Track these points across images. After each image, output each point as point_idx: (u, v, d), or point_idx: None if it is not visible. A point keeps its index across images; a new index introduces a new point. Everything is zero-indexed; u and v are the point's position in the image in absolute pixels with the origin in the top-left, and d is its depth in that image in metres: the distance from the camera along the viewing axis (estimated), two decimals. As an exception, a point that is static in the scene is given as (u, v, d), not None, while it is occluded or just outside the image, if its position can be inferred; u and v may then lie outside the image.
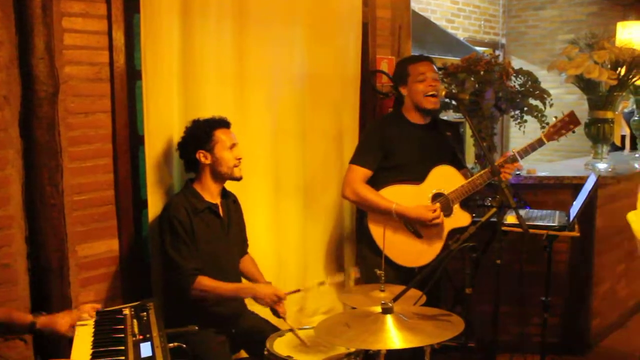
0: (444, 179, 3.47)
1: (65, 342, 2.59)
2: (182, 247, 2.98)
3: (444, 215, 3.42)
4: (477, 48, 7.62)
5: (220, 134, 3.09)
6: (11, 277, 2.82)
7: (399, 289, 2.65)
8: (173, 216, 2.99)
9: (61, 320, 2.25)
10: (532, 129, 4.29)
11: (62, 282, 2.93)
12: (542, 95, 4.34)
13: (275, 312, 3.08)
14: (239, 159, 3.13)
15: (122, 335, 2.26)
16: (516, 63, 5.20)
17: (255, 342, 2.98)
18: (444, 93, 3.52)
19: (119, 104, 3.15)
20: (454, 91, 4.14)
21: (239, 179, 3.15)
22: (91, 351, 2.15)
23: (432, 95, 3.47)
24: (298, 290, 3.19)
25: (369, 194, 3.45)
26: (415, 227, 3.45)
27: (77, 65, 3.02)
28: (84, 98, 3.05)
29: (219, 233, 3.13)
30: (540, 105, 4.33)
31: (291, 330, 2.88)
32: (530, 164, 4.79)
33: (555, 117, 3.50)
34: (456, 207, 3.47)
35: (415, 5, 6.22)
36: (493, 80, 4.21)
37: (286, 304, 3.13)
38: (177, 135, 3.24)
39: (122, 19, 3.14)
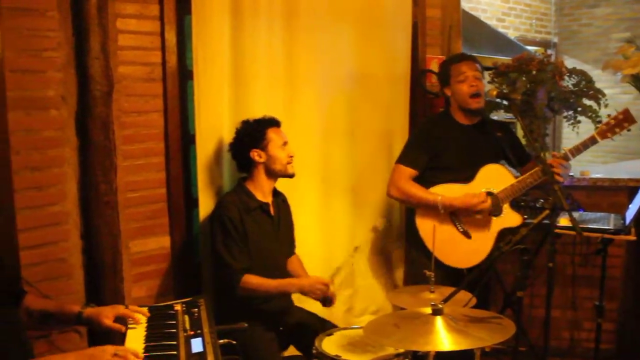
0: (493, 178, 3.42)
1: (118, 335, 2.66)
2: (232, 246, 3.01)
3: (493, 215, 3.37)
4: (528, 47, 7.49)
5: (272, 133, 3.13)
6: (67, 272, 2.89)
7: (448, 290, 2.61)
8: (225, 215, 3.03)
9: (106, 313, 2.29)
10: (585, 130, 4.18)
11: (115, 278, 2.99)
12: (597, 95, 4.24)
13: (325, 302, 3.08)
14: (291, 156, 3.16)
15: (174, 330, 2.29)
16: (569, 62, 5.09)
17: (304, 337, 3.00)
18: (495, 93, 3.47)
19: (171, 103, 3.21)
20: (505, 91, 4.08)
21: (292, 175, 3.18)
22: (144, 345, 2.18)
23: (476, 95, 3.43)
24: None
25: (414, 189, 3.42)
26: (465, 227, 3.41)
27: (131, 66, 3.08)
28: (137, 98, 3.11)
29: (270, 232, 3.16)
30: (595, 106, 4.22)
31: (339, 329, 2.88)
32: (584, 165, 4.69)
33: (609, 116, 3.42)
34: (506, 207, 3.41)
35: (465, 5, 6.15)
36: (545, 80, 4.13)
37: (335, 304, 3.13)
38: (227, 134, 3.28)
39: (174, 20, 3.20)
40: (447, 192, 3.40)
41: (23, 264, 2.72)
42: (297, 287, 3.08)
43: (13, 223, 2.68)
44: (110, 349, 1.97)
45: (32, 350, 2.10)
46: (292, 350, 3.24)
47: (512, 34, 8.80)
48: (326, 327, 3.00)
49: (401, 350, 2.59)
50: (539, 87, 4.14)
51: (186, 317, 2.39)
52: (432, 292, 2.77)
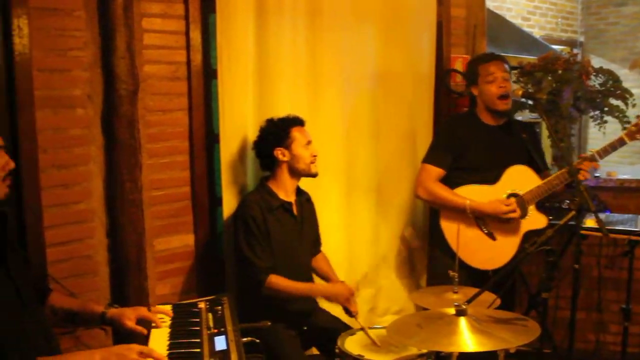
0: (519, 179, 3.39)
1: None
2: (255, 245, 3.01)
3: (519, 217, 3.34)
4: (554, 46, 7.41)
5: (296, 132, 3.13)
6: (92, 269, 2.92)
7: (472, 291, 2.60)
8: (247, 214, 3.03)
9: (128, 314, 2.30)
10: (612, 130, 4.14)
11: (140, 275, 3.01)
12: (624, 95, 4.19)
13: (348, 311, 3.08)
14: (315, 155, 3.16)
15: (198, 328, 2.30)
16: (595, 62, 5.03)
17: (326, 339, 3.00)
18: (520, 93, 3.44)
19: (195, 102, 3.22)
20: (530, 90, 4.05)
21: (315, 175, 3.18)
22: (168, 342, 2.20)
23: (504, 96, 3.40)
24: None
25: (442, 191, 3.40)
26: (490, 229, 3.39)
27: (156, 65, 3.10)
28: (162, 96, 3.13)
29: (292, 231, 3.16)
30: (622, 106, 4.18)
31: (362, 329, 2.88)
32: (611, 166, 4.63)
33: (638, 117, 3.37)
34: (532, 209, 3.38)
35: (490, 4, 6.10)
36: (572, 79, 4.09)
37: (358, 303, 3.13)
38: (251, 133, 3.29)
39: (199, 19, 3.21)
40: (472, 194, 3.37)
41: (49, 261, 2.75)
42: (322, 293, 3.09)
43: (40, 220, 2.72)
44: (136, 347, 1.98)
45: (58, 346, 2.12)
46: (313, 352, 3.24)
47: (537, 33, 8.71)
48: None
49: (424, 351, 2.58)
50: (565, 87, 4.10)
51: (210, 315, 2.40)
52: (455, 292, 2.75)
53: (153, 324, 2.33)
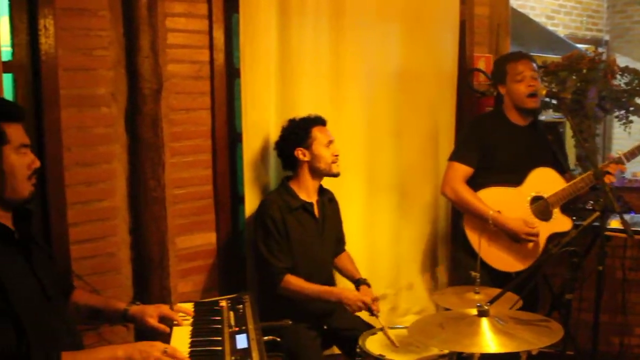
0: (544, 181, 3.36)
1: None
2: (273, 245, 3.02)
3: (543, 220, 3.31)
4: (579, 45, 7.34)
5: (317, 132, 3.13)
6: (115, 266, 2.95)
7: (494, 291, 2.59)
8: (266, 214, 3.04)
9: (150, 312, 2.31)
10: (637, 130, 4.10)
11: (162, 272, 3.04)
12: (650, 94, 4.14)
13: (370, 310, 3.07)
14: (336, 155, 3.15)
15: (219, 326, 2.31)
16: (620, 61, 4.97)
17: (347, 339, 3.00)
18: (544, 92, 3.40)
19: (218, 101, 3.24)
20: (554, 90, 4.01)
21: (336, 175, 3.18)
22: (190, 340, 2.21)
23: (532, 95, 3.37)
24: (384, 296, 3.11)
25: (468, 196, 3.37)
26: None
27: (179, 64, 3.13)
28: (185, 95, 3.16)
29: (313, 232, 3.16)
30: (648, 105, 4.13)
31: (382, 329, 2.87)
32: (636, 167, 4.57)
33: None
34: (556, 211, 3.34)
35: (514, 2, 6.06)
36: (597, 78, 4.05)
37: (379, 302, 3.12)
38: (273, 132, 3.30)
39: (222, 19, 3.23)
40: (496, 197, 3.34)
41: (73, 258, 2.79)
42: (337, 298, 3.02)
43: (64, 218, 2.75)
44: (160, 345, 2.00)
45: (82, 341, 2.14)
46: (334, 351, 3.24)
47: (561, 32, 8.63)
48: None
49: (445, 352, 2.57)
50: (590, 86, 4.06)
51: (231, 313, 2.41)
52: (477, 293, 2.74)
53: (175, 322, 2.34)
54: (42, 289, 1.96)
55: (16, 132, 1.92)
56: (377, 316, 3.02)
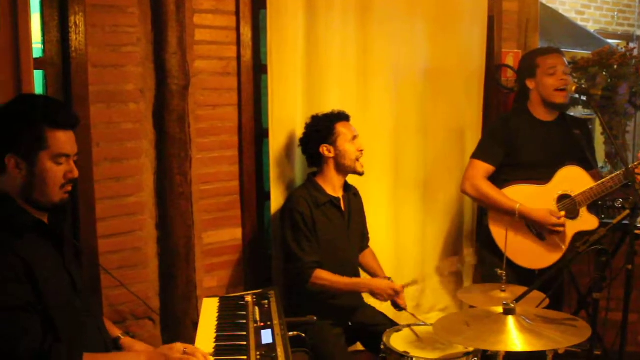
0: (572, 180, 3.32)
1: (190, 326, 2.71)
2: (302, 240, 3.03)
3: (569, 218, 3.27)
4: (610, 41, 7.24)
5: (341, 127, 3.13)
6: (142, 260, 2.99)
7: (520, 289, 2.56)
8: (295, 209, 3.05)
9: (138, 347, 2.22)
10: (669, 127, 4.03)
11: (188, 267, 3.07)
12: (683, 91, 4.07)
13: (396, 305, 3.07)
14: (361, 150, 3.15)
15: (244, 321, 2.33)
16: (653, 56, 4.90)
17: (371, 335, 3.00)
18: (574, 88, 3.36)
19: (245, 97, 3.25)
20: (584, 86, 3.95)
21: (361, 174, 3.17)
22: (215, 334, 2.23)
23: (562, 90, 3.33)
24: (415, 282, 3.14)
25: (491, 191, 3.35)
26: (539, 229, 3.33)
27: (207, 60, 3.14)
28: (212, 91, 3.17)
29: (340, 226, 3.16)
30: (680, 102, 4.05)
31: (409, 326, 2.87)
32: (667, 164, 4.49)
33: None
34: (583, 210, 3.30)
35: (543, -3, 6.00)
36: (628, 74, 3.98)
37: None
38: (300, 128, 3.30)
39: (250, 15, 3.24)
40: (521, 194, 3.31)
41: (101, 252, 2.82)
42: (368, 288, 3.08)
43: (93, 212, 2.79)
44: (179, 346, 2.00)
45: (109, 337, 2.17)
46: (358, 347, 3.25)
47: (592, 27, 8.52)
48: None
49: (470, 349, 2.56)
50: (621, 82, 4.00)
51: (256, 309, 2.43)
52: (503, 291, 2.72)
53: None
54: (73, 283, 1.99)
55: (61, 140, 1.92)
56: (405, 309, 3.02)
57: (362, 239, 3.36)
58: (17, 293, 1.77)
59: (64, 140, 1.94)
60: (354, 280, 3.12)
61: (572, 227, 3.30)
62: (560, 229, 3.26)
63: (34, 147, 1.89)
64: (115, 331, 2.27)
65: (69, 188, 1.98)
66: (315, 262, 3.01)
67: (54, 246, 1.97)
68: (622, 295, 2.96)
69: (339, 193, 3.19)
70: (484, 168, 3.40)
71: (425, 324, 2.88)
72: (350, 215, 3.22)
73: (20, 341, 1.74)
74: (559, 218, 3.26)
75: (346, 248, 3.19)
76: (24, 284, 1.78)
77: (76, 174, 1.98)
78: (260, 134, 3.38)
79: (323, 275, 3.00)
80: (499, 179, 3.39)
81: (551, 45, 3.64)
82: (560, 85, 3.32)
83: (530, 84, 3.43)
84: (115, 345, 2.22)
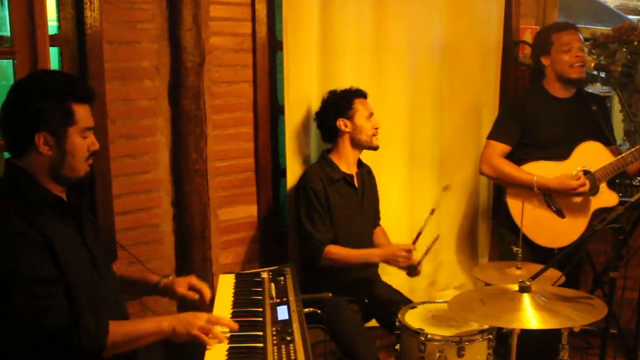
0: (591, 155, 3.29)
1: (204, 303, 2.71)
2: (315, 217, 3.03)
3: (589, 195, 3.25)
4: (630, 17, 7.13)
5: (358, 104, 3.12)
6: (158, 237, 3.00)
7: (536, 267, 2.56)
8: (308, 186, 3.05)
9: (180, 281, 2.33)
10: (689, 104, 3.97)
11: (204, 244, 3.08)
12: None
13: (410, 271, 3.08)
14: (377, 128, 3.15)
15: (260, 297, 2.34)
16: (674, 33, 4.80)
17: (386, 312, 3.01)
18: (593, 65, 3.32)
19: (260, 74, 3.24)
20: (603, 63, 3.90)
21: (376, 148, 3.17)
22: (231, 310, 2.25)
23: (579, 65, 3.29)
24: (419, 235, 3.10)
25: (508, 168, 3.33)
26: (558, 206, 3.30)
27: (222, 36, 3.13)
28: (227, 68, 3.16)
29: (354, 203, 3.16)
30: (702, 79, 3.99)
31: (427, 249, 2.95)
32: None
33: None
34: (603, 186, 3.28)
35: (562, -28, 5.91)
36: (648, 51, 3.93)
37: (418, 278, 3.14)
38: (315, 105, 3.29)
39: (265, -9, 3.22)
40: (540, 171, 3.28)
41: (117, 229, 2.84)
42: (380, 257, 3.08)
43: (109, 189, 2.80)
44: (203, 315, 2.03)
45: (127, 310, 2.20)
46: (373, 323, 3.26)
47: (612, 3, 8.37)
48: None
49: (486, 327, 2.56)
50: (641, 59, 3.95)
51: (272, 285, 2.44)
52: (519, 268, 2.72)
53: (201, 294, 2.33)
54: (92, 258, 2.01)
55: (84, 114, 1.95)
56: (418, 272, 3.06)
57: (375, 216, 3.36)
58: (41, 265, 1.79)
59: (87, 114, 1.96)
60: (365, 251, 3.11)
61: (592, 204, 3.28)
62: (584, 188, 3.23)
63: (63, 122, 1.90)
64: (153, 277, 2.34)
65: (91, 161, 2.01)
66: (328, 239, 3.02)
67: (73, 223, 1.99)
68: (638, 274, 2.95)
69: (352, 170, 3.19)
70: (500, 148, 3.37)
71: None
72: (364, 192, 3.22)
73: (48, 314, 1.77)
74: (578, 179, 3.22)
75: (359, 224, 3.19)
76: (46, 258, 1.80)
77: (97, 145, 2.01)
78: (276, 110, 3.37)
79: (335, 250, 3.01)
80: (517, 158, 3.36)
81: (567, 21, 3.58)
82: (576, 61, 3.28)
83: (545, 60, 3.39)
84: (156, 290, 2.33)
